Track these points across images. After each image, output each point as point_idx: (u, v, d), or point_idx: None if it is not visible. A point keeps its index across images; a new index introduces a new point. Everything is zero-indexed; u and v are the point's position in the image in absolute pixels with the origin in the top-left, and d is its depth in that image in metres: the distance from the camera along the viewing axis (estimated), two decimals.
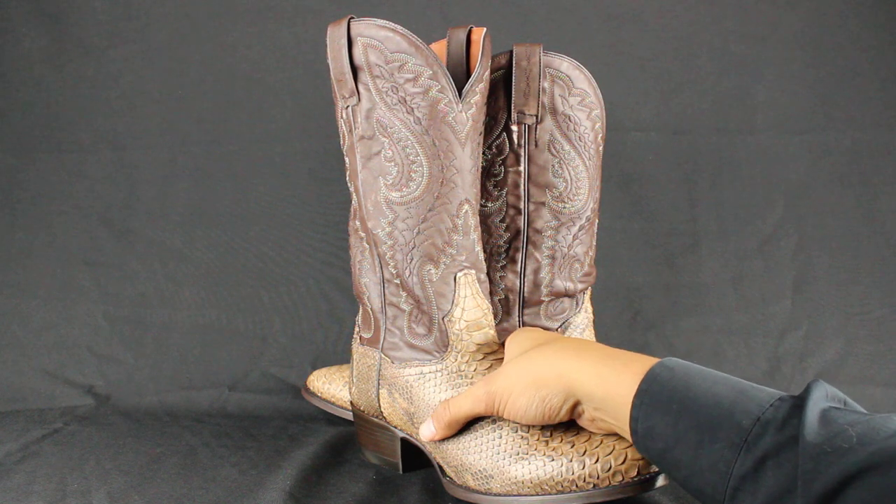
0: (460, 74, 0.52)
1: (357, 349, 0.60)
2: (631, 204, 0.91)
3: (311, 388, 0.72)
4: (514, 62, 0.58)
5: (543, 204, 0.60)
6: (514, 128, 0.59)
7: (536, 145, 0.59)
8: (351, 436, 0.66)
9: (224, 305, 0.91)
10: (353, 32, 0.48)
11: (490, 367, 0.51)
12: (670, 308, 0.90)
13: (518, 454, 0.45)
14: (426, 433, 0.50)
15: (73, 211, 0.93)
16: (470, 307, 0.51)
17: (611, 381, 0.40)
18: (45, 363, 0.86)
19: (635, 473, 0.42)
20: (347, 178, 0.56)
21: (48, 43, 0.92)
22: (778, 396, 0.34)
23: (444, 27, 0.92)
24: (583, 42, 0.89)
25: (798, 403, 0.32)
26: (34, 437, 0.67)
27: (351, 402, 0.62)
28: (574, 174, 0.60)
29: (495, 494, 0.46)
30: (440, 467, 0.52)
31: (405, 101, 0.48)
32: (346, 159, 0.55)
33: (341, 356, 0.86)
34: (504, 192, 0.60)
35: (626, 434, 0.39)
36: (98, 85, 0.93)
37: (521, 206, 0.60)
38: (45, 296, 0.91)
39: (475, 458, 0.47)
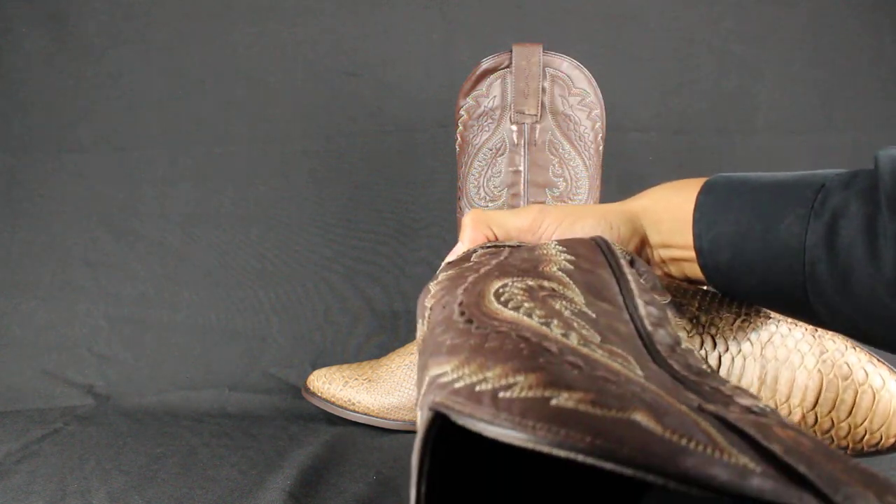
0: None
1: None
2: None
3: (311, 388, 0.72)
4: (513, 62, 0.58)
5: (543, 204, 0.60)
6: (514, 127, 0.59)
7: (536, 145, 0.59)
8: (351, 436, 0.66)
9: (224, 305, 0.91)
10: None
11: None
12: None
13: None
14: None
15: (73, 211, 0.93)
16: None
17: (674, 201, 0.37)
18: (45, 363, 0.86)
19: None
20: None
21: (48, 43, 0.92)
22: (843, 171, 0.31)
23: (444, 27, 0.92)
24: (583, 42, 0.89)
25: (862, 170, 0.30)
26: (34, 437, 0.67)
27: None
28: (574, 174, 0.60)
29: None
30: None
31: None
32: None
33: (341, 356, 0.86)
34: (504, 191, 0.60)
35: (696, 263, 0.36)
36: (98, 85, 0.93)
37: (521, 206, 0.60)
38: (45, 296, 0.91)
39: None
